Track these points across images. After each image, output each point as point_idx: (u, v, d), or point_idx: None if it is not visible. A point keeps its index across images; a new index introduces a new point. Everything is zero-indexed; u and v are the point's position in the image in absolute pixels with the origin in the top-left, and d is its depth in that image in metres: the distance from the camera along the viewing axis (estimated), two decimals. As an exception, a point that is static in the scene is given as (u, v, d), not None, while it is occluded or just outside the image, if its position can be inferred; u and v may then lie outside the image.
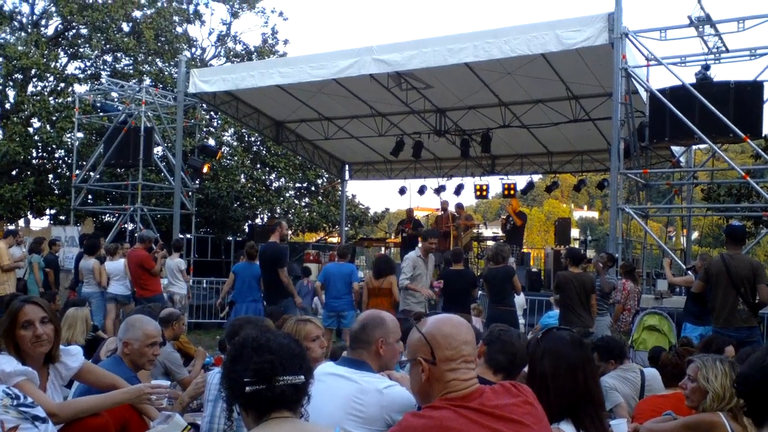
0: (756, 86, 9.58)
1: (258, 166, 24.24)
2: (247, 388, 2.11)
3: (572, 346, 2.76)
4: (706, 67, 9.85)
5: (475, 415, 2.13)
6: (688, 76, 9.92)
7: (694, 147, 13.06)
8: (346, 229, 23.44)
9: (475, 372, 2.28)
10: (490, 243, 16.45)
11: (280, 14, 37.89)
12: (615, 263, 9.40)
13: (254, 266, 9.63)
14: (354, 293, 9.21)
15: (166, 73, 22.54)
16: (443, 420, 2.10)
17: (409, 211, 17.80)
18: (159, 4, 23.16)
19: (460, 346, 2.24)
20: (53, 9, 22.48)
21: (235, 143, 24.22)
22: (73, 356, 3.59)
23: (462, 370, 2.22)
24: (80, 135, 19.59)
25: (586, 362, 2.76)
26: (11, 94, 21.98)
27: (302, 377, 2.19)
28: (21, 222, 22.14)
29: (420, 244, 9.43)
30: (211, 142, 22.19)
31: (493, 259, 8.88)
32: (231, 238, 20.50)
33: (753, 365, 2.45)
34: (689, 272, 8.12)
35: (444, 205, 16.77)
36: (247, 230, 22.37)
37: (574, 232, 29.44)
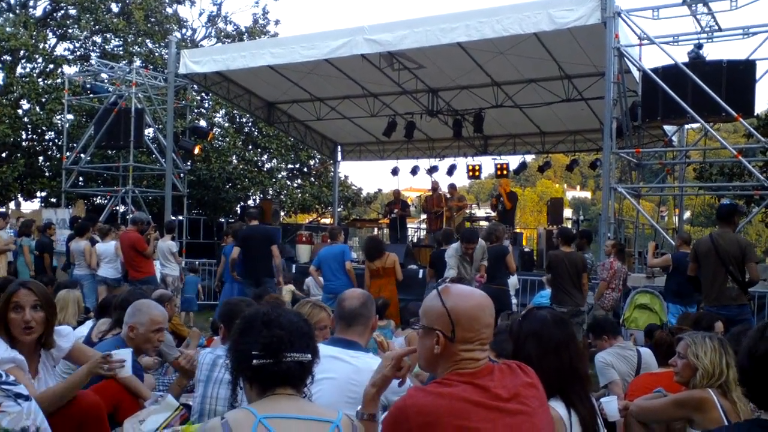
0: (748, 65, 9.55)
1: (250, 147, 24.14)
2: (255, 361, 2.13)
3: (555, 325, 2.75)
4: (699, 46, 9.82)
5: (482, 396, 2.11)
6: (680, 55, 9.91)
7: (686, 126, 13.07)
8: (339, 210, 23.42)
9: (488, 353, 2.24)
10: (483, 223, 16.45)
11: (271, -6, 37.51)
12: (590, 241, 9.48)
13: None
14: (348, 272, 9.21)
15: (157, 54, 22.34)
16: (452, 398, 2.07)
17: (396, 193, 17.76)
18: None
19: (482, 329, 2.18)
20: (41, -11, 22.25)
21: (226, 124, 24.08)
22: (64, 337, 3.57)
23: (477, 351, 2.18)
24: (70, 117, 19.44)
25: (570, 340, 2.75)
26: (0, 75, 21.78)
27: (309, 356, 2.21)
28: (11, 204, 22.03)
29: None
30: (203, 123, 22.05)
31: (487, 239, 8.90)
32: (223, 220, 20.46)
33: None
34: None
35: (434, 185, 16.75)
36: (239, 212, 22.31)
37: (567, 212, 29.52)
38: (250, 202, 23.85)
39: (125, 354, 3.46)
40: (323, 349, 2.99)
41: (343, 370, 2.91)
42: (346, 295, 3.23)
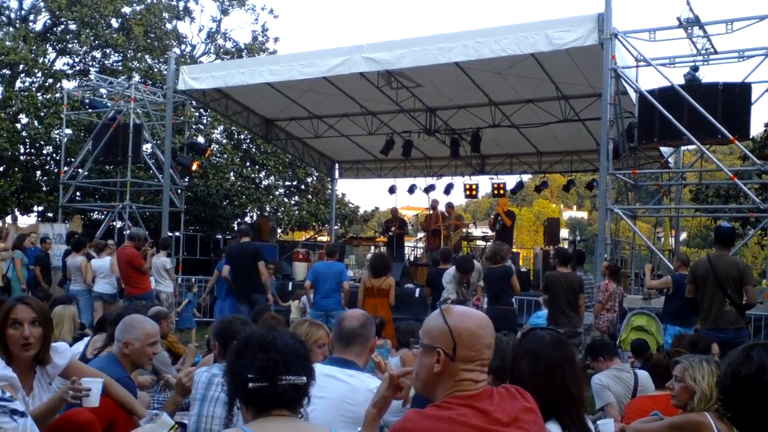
0: (744, 88, 9.61)
1: (247, 164, 24.17)
2: (250, 385, 2.13)
3: (552, 346, 2.74)
4: (695, 69, 9.89)
5: (482, 420, 2.09)
6: (677, 77, 9.96)
7: (682, 148, 13.11)
8: (336, 227, 23.40)
9: (486, 375, 2.23)
10: (480, 243, 16.45)
11: (271, 11, 37.40)
12: (580, 261, 9.50)
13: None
14: (344, 292, 9.17)
15: (156, 69, 22.42)
16: (452, 421, 2.06)
17: (394, 211, 17.74)
18: (148, 0, 23.08)
19: (483, 350, 2.18)
20: (42, 4, 22.32)
21: (224, 141, 24.14)
22: (60, 353, 3.55)
23: (477, 372, 2.17)
24: (68, 131, 19.48)
25: (566, 362, 2.74)
26: (-1, 89, 21.85)
27: (304, 378, 2.21)
28: (8, 219, 21.99)
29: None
30: (201, 139, 22.10)
31: (491, 259, 8.90)
32: (220, 237, 20.43)
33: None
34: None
35: (434, 204, 16.77)
36: (236, 228, 22.28)
37: (564, 232, 29.49)
38: (248, 219, 23.84)
39: (94, 384, 3.35)
40: (319, 368, 2.98)
41: (338, 390, 2.90)
42: (346, 315, 3.24)
